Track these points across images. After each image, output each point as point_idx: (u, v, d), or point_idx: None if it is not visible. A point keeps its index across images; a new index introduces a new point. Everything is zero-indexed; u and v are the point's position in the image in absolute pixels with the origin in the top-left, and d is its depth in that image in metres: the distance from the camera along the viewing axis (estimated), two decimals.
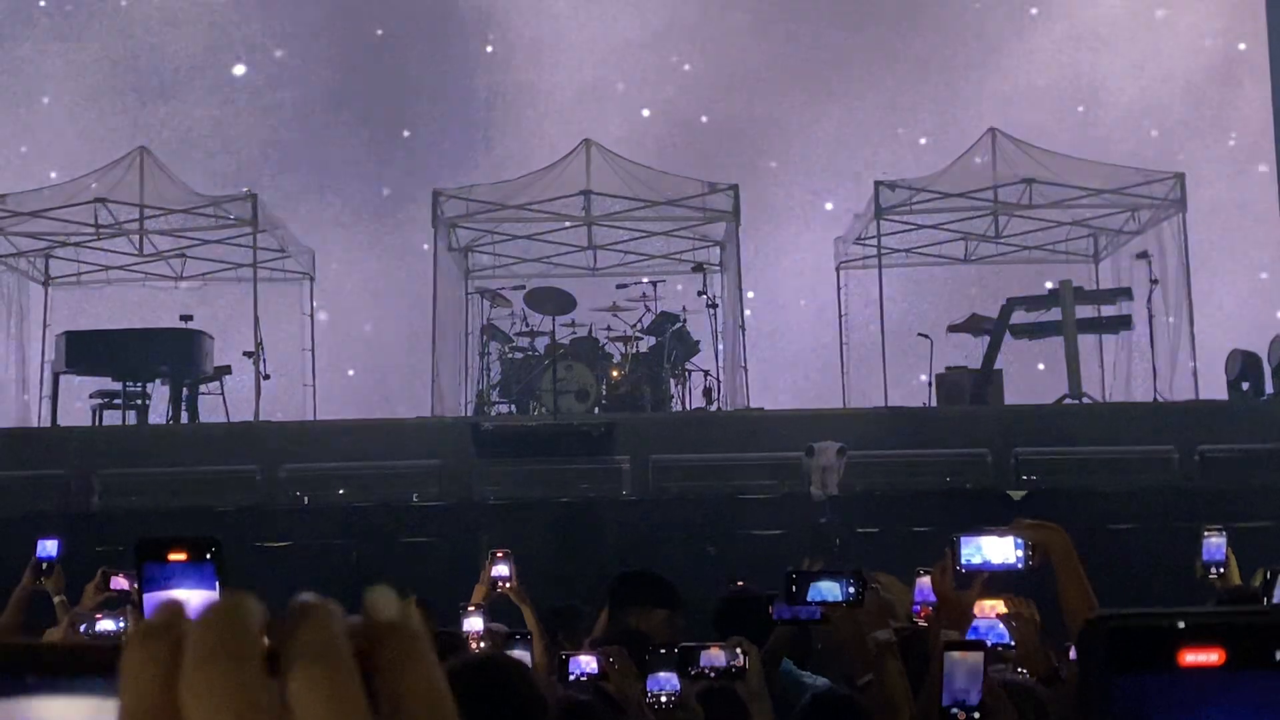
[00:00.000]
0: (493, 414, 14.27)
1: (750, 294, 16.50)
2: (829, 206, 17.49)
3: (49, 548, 5.52)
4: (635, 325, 14.71)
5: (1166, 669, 0.57)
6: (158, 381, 14.60)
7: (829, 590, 3.91)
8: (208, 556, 1.98)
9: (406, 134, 19.97)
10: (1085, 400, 13.95)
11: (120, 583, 4.91)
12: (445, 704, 0.48)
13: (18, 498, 11.51)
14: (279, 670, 0.47)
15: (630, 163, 15.48)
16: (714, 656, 3.69)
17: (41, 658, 0.52)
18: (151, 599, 1.96)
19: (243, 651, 0.48)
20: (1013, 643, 4.09)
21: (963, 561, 4.06)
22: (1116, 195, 15.61)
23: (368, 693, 0.48)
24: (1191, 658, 0.57)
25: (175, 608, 0.49)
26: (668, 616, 5.19)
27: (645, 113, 19.71)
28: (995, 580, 4.36)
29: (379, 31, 19.88)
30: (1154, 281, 15.01)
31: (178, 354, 14.37)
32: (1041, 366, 15.85)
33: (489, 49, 20.31)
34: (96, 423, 14.42)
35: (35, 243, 16.24)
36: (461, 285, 16.29)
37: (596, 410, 13.67)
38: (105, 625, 4.62)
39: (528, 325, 14.74)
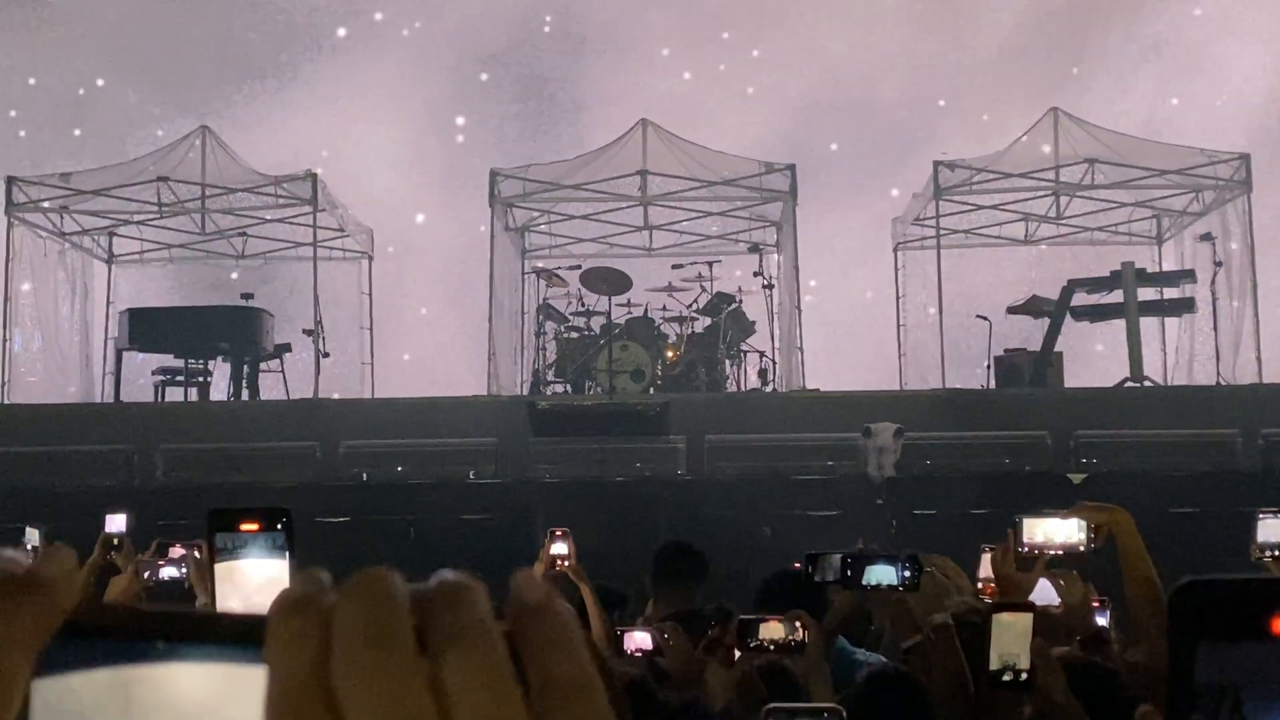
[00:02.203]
0: (548, 393, 14.31)
1: (812, 283, 16.46)
2: (894, 193, 17.32)
3: (119, 522, 5.60)
4: (691, 305, 14.68)
5: (1258, 636, 0.56)
6: (219, 358, 14.76)
7: (884, 574, 3.88)
8: (279, 527, 2.00)
9: (464, 114, 20.02)
10: (1147, 383, 13.79)
11: (177, 552, 4.98)
12: (597, 690, 0.48)
13: (82, 472, 11.69)
14: (428, 651, 0.47)
15: (687, 142, 15.44)
16: (772, 630, 3.68)
17: (176, 623, 0.51)
18: (223, 569, 1.98)
19: (395, 633, 0.47)
20: (1057, 600, 4.07)
21: (1025, 542, 4.04)
22: (1180, 176, 15.39)
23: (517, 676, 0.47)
24: None
25: (316, 579, 0.49)
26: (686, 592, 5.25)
27: (702, 91, 19.63)
28: (1055, 565, 4.34)
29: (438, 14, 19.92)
30: (1218, 264, 14.81)
31: (239, 331, 14.52)
32: (1102, 349, 15.69)
33: (546, 29, 20.30)
34: (159, 399, 14.60)
35: (99, 221, 16.45)
36: (518, 265, 16.33)
37: (651, 391, 13.67)
38: (169, 572, 4.76)
39: (583, 305, 14.75)
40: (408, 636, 0.47)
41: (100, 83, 19.70)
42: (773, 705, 2.23)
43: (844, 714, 2.17)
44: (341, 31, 20.20)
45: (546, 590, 0.49)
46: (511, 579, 0.49)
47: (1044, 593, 4.12)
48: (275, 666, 0.47)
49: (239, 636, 0.50)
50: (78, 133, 19.27)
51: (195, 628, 0.51)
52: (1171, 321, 15.64)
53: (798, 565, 6.03)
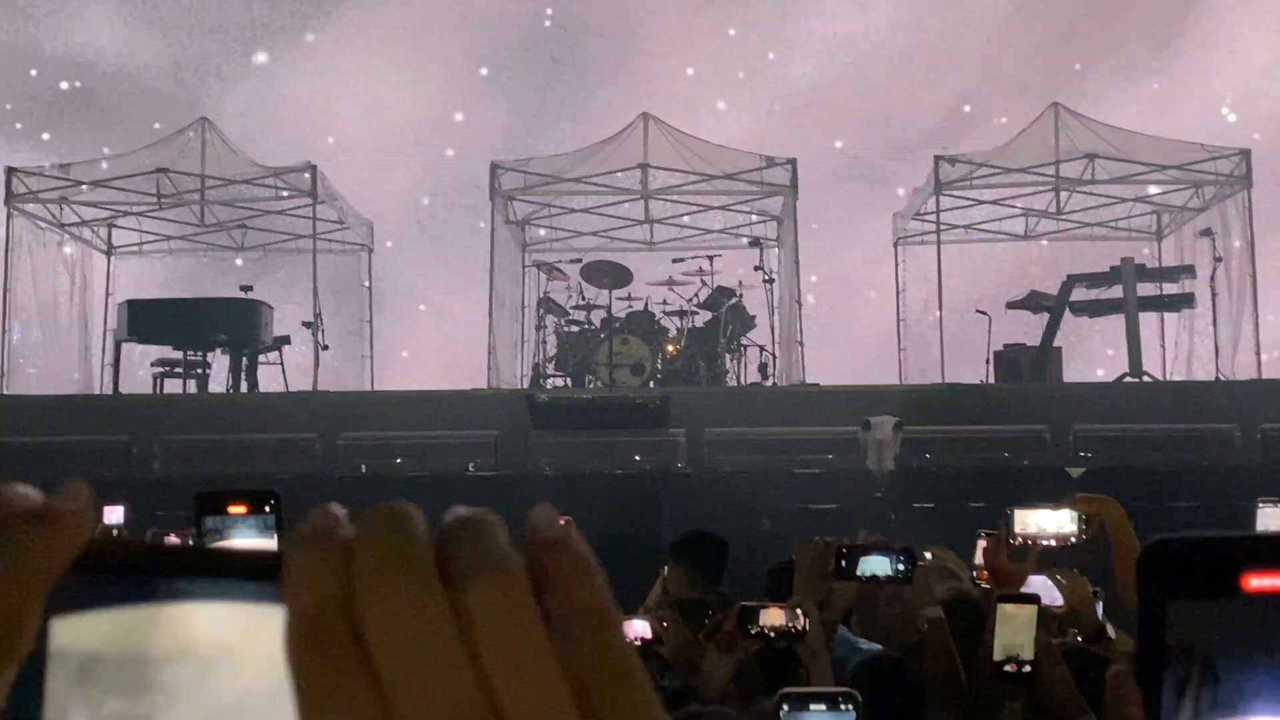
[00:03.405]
0: (549, 387, 14.30)
1: (813, 278, 16.43)
2: (900, 191, 17.29)
3: (116, 514, 5.59)
4: (691, 300, 14.67)
5: (1230, 594, 0.56)
6: (218, 350, 14.75)
7: (878, 565, 3.89)
8: (267, 509, 1.99)
9: (464, 107, 20.00)
10: (1146, 378, 13.79)
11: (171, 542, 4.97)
12: (616, 621, 0.48)
13: (80, 463, 11.68)
14: (450, 582, 0.46)
15: (688, 136, 15.43)
16: (773, 616, 3.68)
17: (193, 561, 0.51)
18: None
19: (418, 562, 0.46)
20: (1061, 601, 4.08)
21: (1016, 533, 4.04)
22: (1180, 171, 15.37)
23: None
24: (1257, 582, 0.56)
25: (334, 513, 0.49)
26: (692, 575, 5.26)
27: (704, 85, 19.62)
28: (1048, 557, 4.33)
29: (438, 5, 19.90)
30: (1218, 259, 14.79)
31: (238, 323, 14.50)
32: (1102, 344, 15.68)
33: (547, 22, 20.27)
34: (158, 391, 14.59)
35: (98, 212, 16.44)
36: (518, 258, 16.32)
37: (652, 384, 13.67)
38: None
39: (584, 299, 14.74)
40: (431, 565, 0.47)
41: (84, 80, 19.65)
42: (787, 690, 2.23)
43: (859, 698, 2.17)
44: (342, 23, 20.17)
45: (564, 525, 0.49)
46: (529, 515, 0.49)
47: (1047, 593, 4.12)
48: (295, 601, 0.46)
49: (256, 573, 0.49)
50: (73, 125, 19.23)
51: (212, 564, 0.51)
52: (1171, 317, 15.63)
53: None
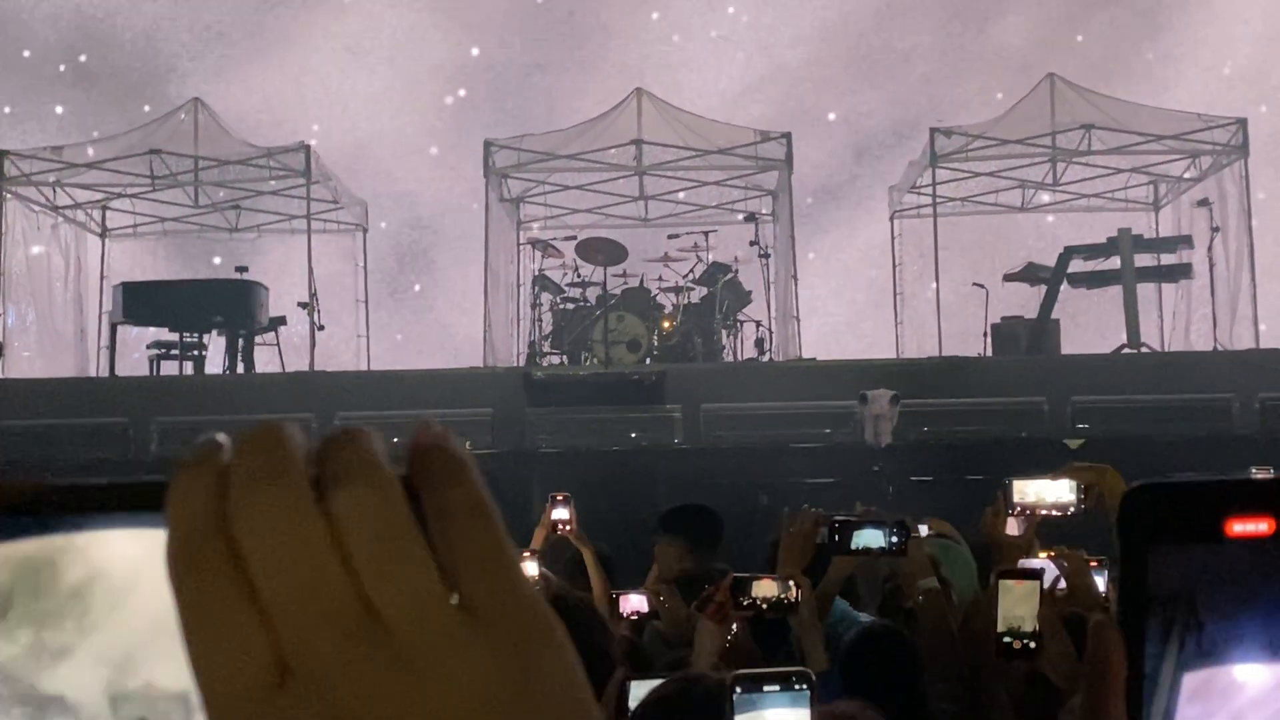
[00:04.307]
0: (544, 364, 14.29)
1: (810, 255, 16.40)
2: (893, 165, 17.25)
3: None
4: (687, 276, 14.64)
5: (1213, 539, 0.54)
6: (214, 332, 14.73)
7: (872, 539, 3.90)
8: None
9: (457, 84, 19.94)
10: (1144, 349, 13.78)
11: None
12: (485, 512, 0.48)
13: (77, 446, 11.68)
14: (322, 490, 0.48)
15: (682, 111, 15.38)
16: (765, 588, 3.68)
17: (85, 495, 0.52)
18: None
19: (288, 473, 0.48)
20: (1062, 583, 4.06)
21: (1015, 503, 4.04)
22: (1177, 141, 15.34)
23: (416, 514, 0.48)
24: (1240, 527, 0.54)
25: (216, 439, 0.50)
26: (685, 549, 5.25)
27: (697, 60, 19.55)
28: (1048, 534, 4.32)
29: None
30: (1215, 229, 14.77)
31: (233, 305, 14.48)
32: (1100, 315, 15.67)
33: (539, 0, 20.20)
34: (154, 373, 14.57)
35: (92, 195, 16.39)
36: (513, 236, 16.28)
37: (648, 361, 13.65)
38: None
39: (579, 276, 14.70)
40: (301, 476, 0.48)
41: (83, 58, 19.58)
42: (739, 672, 2.21)
43: (812, 677, 2.15)
44: (334, 3, 20.09)
45: (441, 430, 0.51)
46: (413, 426, 0.51)
47: (1049, 574, 4.10)
48: (173, 519, 0.47)
49: (146, 502, 0.50)
50: (60, 109, 19.17)
51: (105, 498, 0.51)
52: (1169, 287, 15.62)
53: None
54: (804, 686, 2.13)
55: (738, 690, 2.13)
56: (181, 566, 0.47)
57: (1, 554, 0.51)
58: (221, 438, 0.50)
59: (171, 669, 0.50)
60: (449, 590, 0.47)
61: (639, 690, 2.89)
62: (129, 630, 0.51)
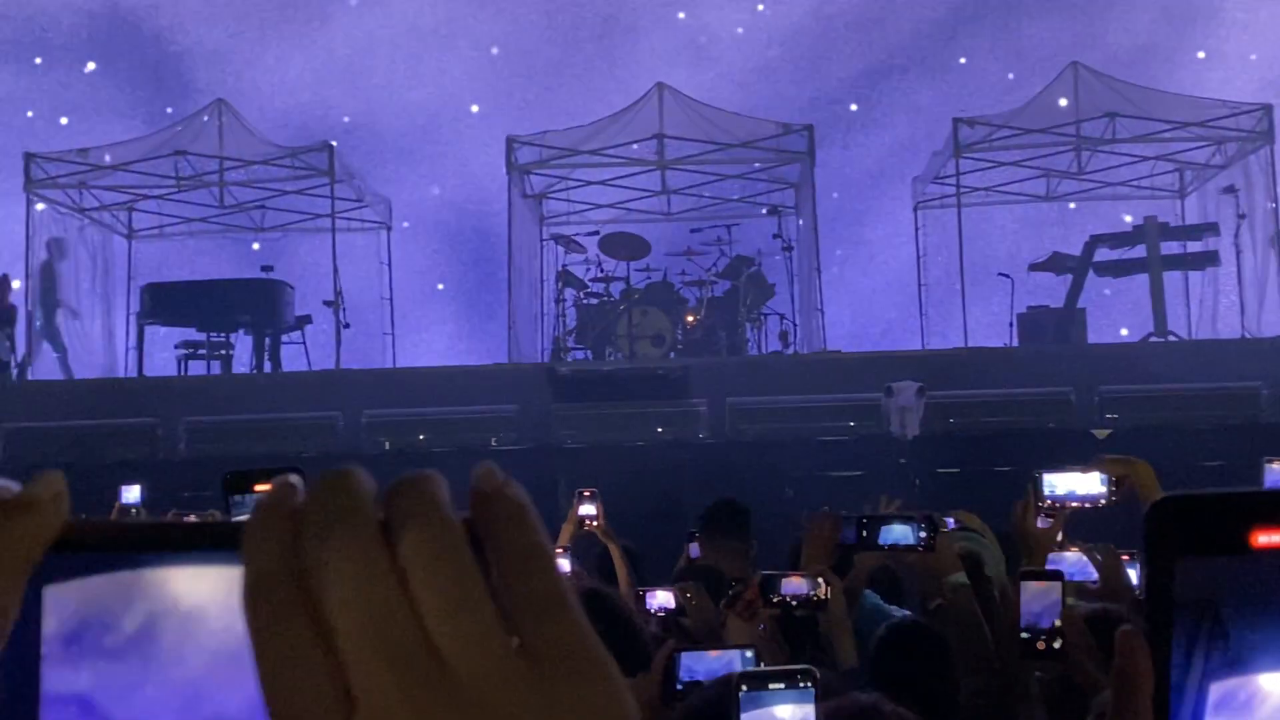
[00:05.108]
0: (569, 360, 14.30)
1: (833, 245, 16.35)
2: (908, 147, 17.20)
3: (132, 493, 5.65)
4: (710, 269, 14.64)
5: (1238, 550, 0.54)
6: (240, 331, 14.80)
7: (900, 534, 3.87)
8: None
9: (479, 82, 19.95)
10: (1171, 338, 13.71)
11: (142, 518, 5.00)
12: (545, 559, 0.50)
13: (106, 446, 11.75)
14: (391, 535, 0.50)
15: (704, 105, 15.36)
16: (795, 585, 3.68)
17: (164, 535, 0.54)
18: None
19: (358, 518, 0.50)
20: (1095, 577, 4.04)
21: (1045, 495, 4.02)
22: (1202, 128, 15.24)
23: (479, 559, 0.50)
24: (1265, 539, 0.54)
25: (290, 482, 0.52)
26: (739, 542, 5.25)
27: (718, 54, 19.52)
28: (1078, 527, 4.30)
29: None
30: (1241, 216, 14.68)
31: (259, 304, 14.55)
32: (1126, 304, 15.59)
33: None
34: (181, 373, 14.66)
35: (118, 196, 16.48)
36: (536, 232, 16.30)
37: (672, 355, 13.65)
38: None
39: (602, 271, 14.71)
40: (370, 519, 0.50)
41: (92, 66, 19.65)
42: (744, 671, 2.21)
43: (816, 675, 2.14)
44: (354, 1, 20.15)
45: (503, 476, 0.52)
46: (473, 471, 0.52)
47: (1081, 570, 4.09)
48: (249, 559, 0.50)
49: (222, 543, 0.53)
50: (82, 111, 19.26)
51: (183, 538, 0.54)
52: (1195, 275, 15.52)
53: None
54: (809, 685, 2.13)
55: (743, 689, 2.13)
56: (257, 605, 0.49)
57: (77, 588, 0.53)
58: (294, 479, 0.52)
59: (239, 703, 0.53)
60: (510, 635, 0.49)
61: (689, 662, 2.93)
62: (198, 665, 0.53)
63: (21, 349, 14.69)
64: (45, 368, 15.14)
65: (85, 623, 0.53)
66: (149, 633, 0.53)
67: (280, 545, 0.50)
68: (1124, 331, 15.73)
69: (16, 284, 14.95)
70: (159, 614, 0.53)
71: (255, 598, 0.49)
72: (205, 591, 0.53)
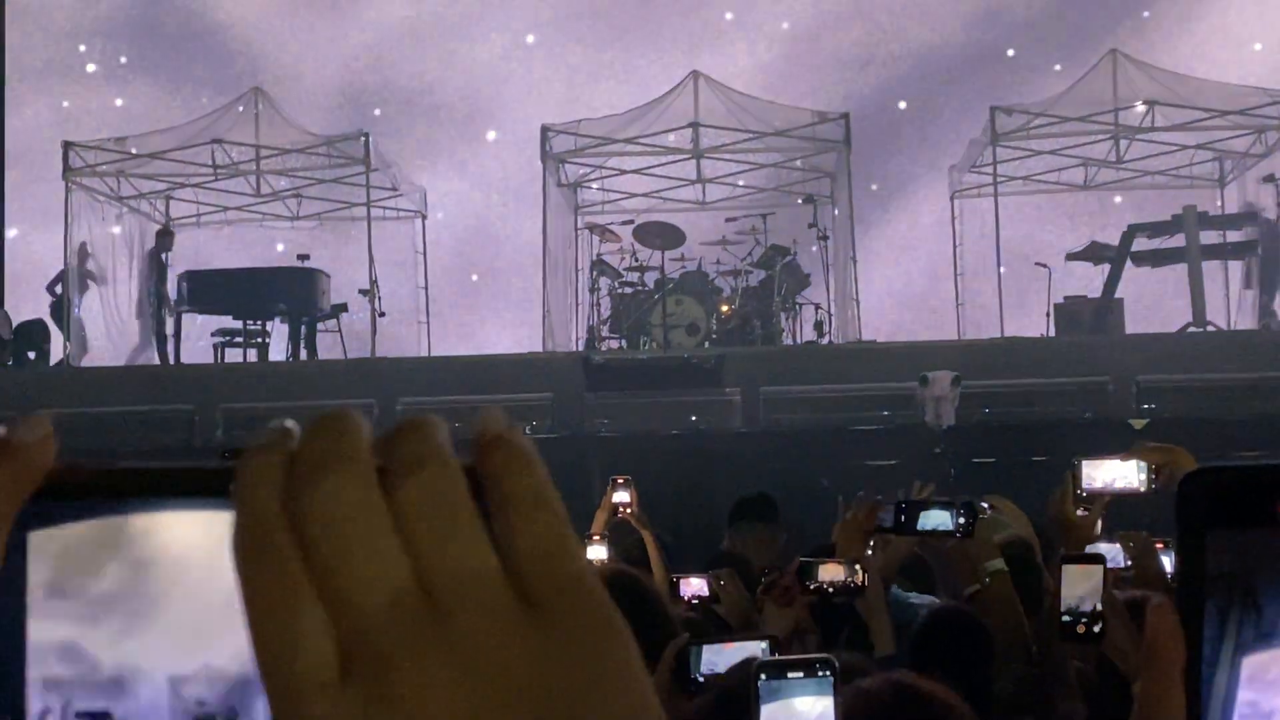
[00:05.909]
0: (604, 349, 14.32)
1: (869, 234, 16.30)
2: (945, 135, 17.09)
3: None
4: (745, 259, 14.61)
5: (1270, 523, 0.53)
6: (277, 319, 14.89)
7: (939, 520, 3.84)
8: None
9: (514, 68, 19.96)
10: (1209, 328, 13.60)
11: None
12: (555, 503, 0.49)
13: (143, 432, 11.85)
14: (387, 479, 0.48)
15: (738, 94, 15.32)
16: (831, 572, 3.67)
17: (153, 480, 0.53)
18: None
19: (354, 459, 0.48)
20: (1128, 563, 4.02)
21: (1084, 484, 3.99)
22: (1242, 116, 15.09)
23: (479, 504, 0.48)
24: None
25: (284, 426, 0.50)
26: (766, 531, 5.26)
27: (753, 42, 19.45)
28: (1116, 516, 4.27)
29: None
30: None
31: (296, 292, 14.63)
32: (1164, 294, 15.47)
33: None
34: (218, 360, 14.76)
35: (155, 185, 16.59)
36: (571, 221, 16.31)
37: (706, 344, 13.64)
38: None
39: (637, 260, 14.71)
40: (366, 463, 0.48)
41: (123, 60, 19.75)
42: (763, 660, 2.20)
43: (836, 664, 2.13)
44: None
45: (506, 420, 0.51)
46: (477, 417, 0.51)
47: (1114, 559, 4.06)
48: (240, 503, 0.48)
49: (215, 489, 0.51)
50: (120, 102, 19.38)
51: (174, 484, 0.52)
52: (1234, 265, 15.39)
53: None
54: (828, 674, 2.12)
55: (762, 678, 2.12)
56: (247, 552, 0.47)
57: (65, 534, 0.52)
58: (289, 424, 0.50)
59: (230, 652, 0.51)
60: (510, 580, 0.47)
61: (709, 655, 2.90)
62: (188, 613, 0.52)
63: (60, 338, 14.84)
64: (82, 354, 15.28)
65: (72, 570, 0.52)
66: (138, 580, 0.52)
67: (272, 490, 0.48)
68: (1162, 322, 15.60)
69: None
70: (148, 561, 0.52)
71: (245, 545, 0.47)
72: (196, 538, 0.52)
